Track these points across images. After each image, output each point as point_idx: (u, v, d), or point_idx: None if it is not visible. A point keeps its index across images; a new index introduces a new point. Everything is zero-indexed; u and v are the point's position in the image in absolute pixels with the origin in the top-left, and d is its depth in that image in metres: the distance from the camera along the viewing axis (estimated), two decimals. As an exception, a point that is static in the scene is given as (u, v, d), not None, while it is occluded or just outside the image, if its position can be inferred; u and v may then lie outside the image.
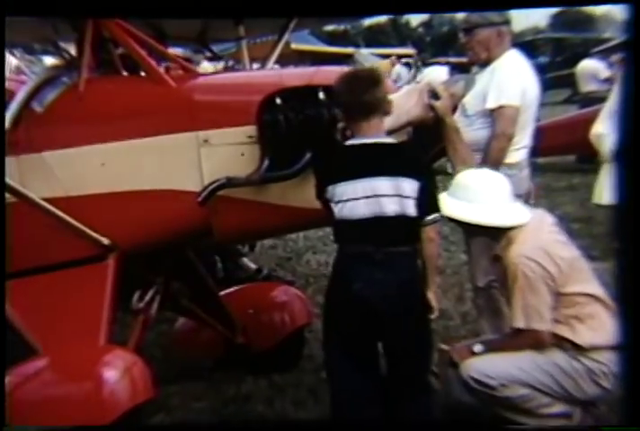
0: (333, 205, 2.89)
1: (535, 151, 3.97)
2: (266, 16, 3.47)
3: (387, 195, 2.85)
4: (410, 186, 2.86)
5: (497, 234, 3.20)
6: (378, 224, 2.85)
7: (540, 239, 3.13)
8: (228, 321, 4.09)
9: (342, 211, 2.87)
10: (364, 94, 2.86)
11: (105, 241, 3.27)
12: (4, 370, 2.75)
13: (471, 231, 3.36)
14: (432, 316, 3.01)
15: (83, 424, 2.80)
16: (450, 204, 3.13)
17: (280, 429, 3.39)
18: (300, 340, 4.24)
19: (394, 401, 3.00)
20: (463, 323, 4.62)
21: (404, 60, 13.10)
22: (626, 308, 2.49)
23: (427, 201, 2.91)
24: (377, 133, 2.93)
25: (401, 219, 2.86)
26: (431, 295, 2.98)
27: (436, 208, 2.96)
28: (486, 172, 3.29)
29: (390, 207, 2.85)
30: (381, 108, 2.92)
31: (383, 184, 2.85)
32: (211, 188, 3.12)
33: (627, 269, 2.42)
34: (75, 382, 2.96)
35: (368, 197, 2.85)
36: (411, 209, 2.87)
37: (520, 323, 3.08)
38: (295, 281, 5.84)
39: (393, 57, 12.99)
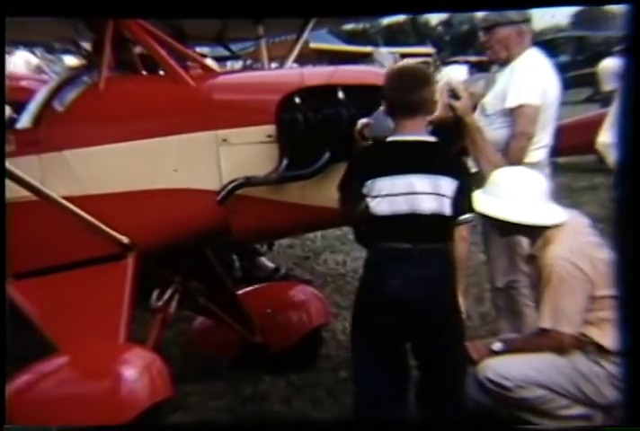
0: (369, 199, 2.86)
1: (555, 150, 3.94)
2: (285, 16, 3.46)
3: (425, 193, 2.84)
4: (448, 185, 2.86)
5: (533, 234, 3.17)
6: (414, 221, 2.84)
7: (578, 241, 3.11)
8: (246, 321, 4.09)
9: (378, 206, 2.85)
10: (413, 93, 2.86)
11: (124, 239, 3.28)
12: (5, 370, 2.73)
13: (505, 229, 3.31)
14: (462, 316, 3.00)
15: (101, 422, 2.81)
16: (487, 202, 3.11)
17: (297, 429, 3.39)
18: (318, 340, 4.23)
19: (427, 402, 2.99)
20: (482, 324, 4.60)
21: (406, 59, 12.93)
22: (627, 308, 2.48)
23: (463, 201, 2.91)
24: (419, 131, 2.92)
25: (437, 217, 2.86)
26: (460, 294, 2.96)
27: (471, 208, 2.97)
28: (524, 171, 3.27)
29: (427, 205, 2.84)
30: (428, 107, 2.93)
31: (422, 182, 2.84)
32: (230, 187, 3.12)
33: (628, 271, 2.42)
34: (93, 380, 2.97)
35: (406, 193, 2.84)
36: (447, 208, 2.87)
37: (545, 323, 3.05)
38: (312, 280, 5.83)
39: (396, 56, 12.87)
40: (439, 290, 2.87)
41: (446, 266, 2.90)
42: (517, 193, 3.12)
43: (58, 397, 2.90)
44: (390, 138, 2.93)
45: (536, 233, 3.16)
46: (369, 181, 2.85)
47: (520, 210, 3.10)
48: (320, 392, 3.83)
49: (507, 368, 3.08)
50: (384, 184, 2.83)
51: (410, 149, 2.90)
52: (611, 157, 3.68)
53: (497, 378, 3.07)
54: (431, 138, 2.96)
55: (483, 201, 3.10)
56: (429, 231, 2.86)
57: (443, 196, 2.85)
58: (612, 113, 3.82)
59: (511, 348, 3.18)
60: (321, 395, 3.80)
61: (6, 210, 3.19)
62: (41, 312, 3.26)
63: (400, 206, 2.83)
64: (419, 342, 2.93)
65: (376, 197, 2.84)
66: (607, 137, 3.87)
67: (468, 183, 2.95)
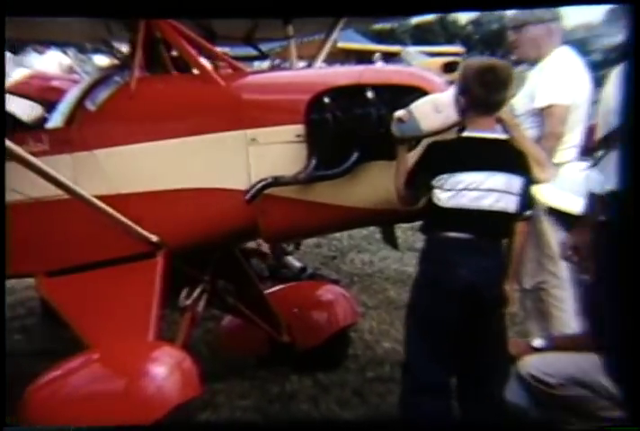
0: (438, 192, 2.90)
1: (587, 150, 3.90)
2: (315, 16, 3.46)
3: (499, 190, 2.89)
4: (517, 182, 2.92)
5: None
6: (484, 215, 2.89)
7: None
8: (273, 320, 4.10)
9: (451, 199, 2.88)
10: (499, 92, 2.88)
11: (154, 238, 3.30)
12: (4, 369, 2.72)
13: (572, 224, 3.24)
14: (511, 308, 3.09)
15: (129, 419, 2.83)
16: (556, 195, 3.12)
17: (324, 428, 3.39)
18: (345, 340, 4.23)
19: (468, 399, 3.01)
20: (511, 324, 4.56)
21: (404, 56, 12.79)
22: (626, 307, 2.49)
23: (527, 197, 2.97)
24: (494, 128, 2.96)
25: (505, 214, 2.91)
26: (510, 287, 3.01)
27: (533, 204, 3.04)
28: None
29: (498, 202, 2.89)
30: (505, 105, 2.96)
31: (498, 179, 2.89)
32: (258, 186, 3.12)
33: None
34: (123, 378, 2.98)
35: (482, 189, 2.88)
36: (515, 205, 2.92)
37: None
38: (339, 280, 5.83)
39: (377, 54, 12.71)
40: (501, 281, 2.96)
41: (503, 258, 2.98)
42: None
43: (87, 393, 2.91)
44: (467, 134, 2.95)
45: None
46: (446, 175, 2.88)
47: None
48: (347, 392, 3.83)
49: (551, 365, 3.02)
50: (461, 179, 2.87)
51: (487, 146, 2.93)
52: None
53: (540, 374, 3.00)
54: (504, 136, 3.00)
55: (551, 195, 3.11)
56: (495, 226, 2.92)
57: (513, 193, 2.90)
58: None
59: (552, 346, 3.14)
60: (348, 395, 3.80)
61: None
62: (72, 309, 3.28)
63: (474, 201, 2.88)
64: (472, 332, 2.95)
65: (449, 190, 2.88)
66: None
67: (531, 180, 2.99)
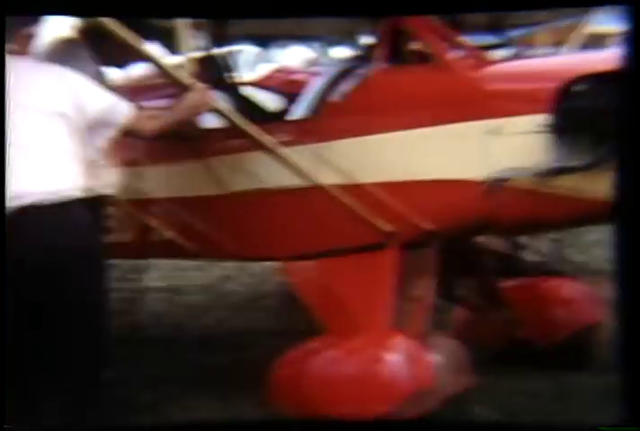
0: None
1: None
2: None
3: None
4: None
5: None
6: None
7: None
8: (508, 315, 4.01)
9: None
10: None
11: (388, 228, 3.32)
12: (4, 369, 2.69)
13: None
14: None
15: (362, 404, 2.91)
16: None
17: (567, 431, 3.25)
18: (588, 340, 4.04)
19: None
20: None
21: None
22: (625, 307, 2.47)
23: None
24: None
25: None
26: None
27: None
28: None
29: None
30: None
31: None
32: (499, 178, 3.07)
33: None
34: (359, 362, 3.07)
35: None
36: None
37: None
38: (580, 277, 5.55)
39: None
40: None
41: None
42: None
43: (324, 375, 3.04)
44: None
45: None
46: None
47: None
48: (592, 395, 3.63)
49: None
50: None
51: None
52: None
53: None
54: None
55: None
56: None
57: None
58: None
59: None
60: (593, 397, 3.60)
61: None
62: (311, 293, 3.41)
63: None
64: None
65: None
66: None
67: None
